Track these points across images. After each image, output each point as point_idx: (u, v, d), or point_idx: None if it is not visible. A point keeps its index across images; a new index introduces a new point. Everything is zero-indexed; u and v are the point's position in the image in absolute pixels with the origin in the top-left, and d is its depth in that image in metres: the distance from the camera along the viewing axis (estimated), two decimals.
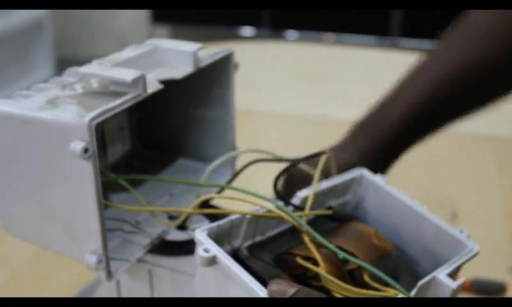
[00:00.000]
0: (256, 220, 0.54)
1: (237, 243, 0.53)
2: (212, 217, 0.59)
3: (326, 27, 3.90)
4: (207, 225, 0.49)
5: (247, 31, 4.00)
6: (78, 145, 0.46)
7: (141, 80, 0.51)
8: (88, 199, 0.48)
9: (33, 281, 0.92)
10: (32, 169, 0.51)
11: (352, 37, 3.86)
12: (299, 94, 1.72)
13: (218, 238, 0.50)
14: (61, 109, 0.49)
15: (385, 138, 0.78)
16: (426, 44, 3.69)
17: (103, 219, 0.49)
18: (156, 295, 0.58)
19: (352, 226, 0.57)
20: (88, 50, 3.59)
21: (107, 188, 0.61)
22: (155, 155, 0.69)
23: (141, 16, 4.19)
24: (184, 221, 0.59)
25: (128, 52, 0.58)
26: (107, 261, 0.51)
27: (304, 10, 3.76)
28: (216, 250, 0.47)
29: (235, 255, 0.52)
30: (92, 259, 0.50)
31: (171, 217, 0.59)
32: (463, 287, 0.91)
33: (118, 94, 0.51)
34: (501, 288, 0.93)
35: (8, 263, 0.95)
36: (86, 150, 0.46)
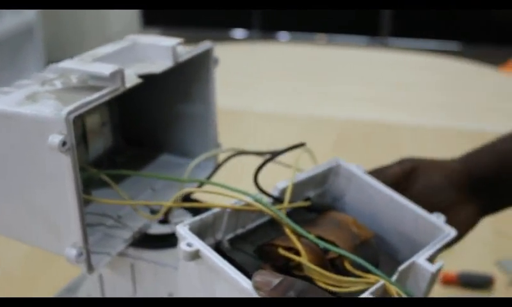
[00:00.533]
0: (237, 213, 0.54)
1: (218, 236, 0.53)
2: (194, 211, 0.59)
3: (318, 27, 3.92)
4: (189, 219, 0.50)
5: (238, 32, 4.01)
6: (56, 138, 0.46)
7: (119, 74, 0.51)
8: (67, 193, 0.49)
9: (24, 280, 0.92)
10: (12, 165, 0.51)
11: (343, 37, 3.87)
12: (291, 94, 1.73)
13: (200, 232, 0.50)
14: (40, 103, 0.50)
15: None
16: (416, 43, 3.73)
17: (83, 212, 0.50)
18: (138, 289, 0.59)
19: (331, 216, 0.57)
20: (79, 53, 3.57)
21: (89, 184, 0.61)
22: (137, 151, 0.70)
23: (132, 18, 4.19)
24: (166, 215, 0.59)
25: (108, 48, 0.58)
26: (87, 254, 0.51)
27: (296, 11, 3.78)
28: (198, 244, 0.47)
29: (217, 248, 0.53)
30: (72, 252, 0.50)
31: (153, 212, 0.59)
32: (450, 281, 0.94)
33: (96, 89, 0.51)
34: (488, 281, 0.94)
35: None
36: (64, 143, 0.46)
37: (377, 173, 0.63)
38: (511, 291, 0.42)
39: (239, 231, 0.56)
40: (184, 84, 0.65)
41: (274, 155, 0.59)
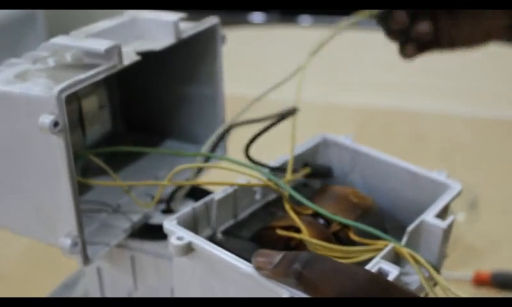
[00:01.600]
0: (228, 201, 0.53)
1: (210, 229, 0.53)
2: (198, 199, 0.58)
3: (341, 11, 3.88)
4: (177, 213, 0.49)
5: (256, 16, 3.99)
6: (47, 119, 0.46)
7: (115, 51, 0.51)
8: (59, 177, 0.48)
9: (19, 279, 0.92)
10: (1, 148, 0.51)
11: (367, 22, 3.83)
12: (310, 81, 1.70)
13: (191, 225, 0.50)
14: (30, 82, 0.49)
15: None
16: None
17: (77, 199, 0.49)
18: (139, 284, 0.58)
19: (328, 190, 0.57)
20: None
21: (87, 172, 0.61)
22: (139, 137, 0.69)
23: None
24: (169, 204, 0.59)
25: (105, 23, 0.58)
26: (83, 245, 0.51)
27: None
28: (190, 236, 0.46)
29: (211, 241, 0.52)
30: (67, 242, 0.50)
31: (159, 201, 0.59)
32: (483, 281, 0.92)
33: (92, 67, 0.51)
34: None
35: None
36: (55, 124, 0.46)
37: None
38: None
39: (231, 221, 0.55)
40: (189, 64, 0.65)
41: (269, 126, 0.57)
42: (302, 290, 0.41)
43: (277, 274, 0.42)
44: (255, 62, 1.82)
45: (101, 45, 0.50)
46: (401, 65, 1.87)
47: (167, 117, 0.68)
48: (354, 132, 1.38)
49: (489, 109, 1.50)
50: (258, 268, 0.43)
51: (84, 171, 0.61)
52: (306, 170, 0.59)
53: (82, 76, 0.48)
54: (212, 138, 0.60)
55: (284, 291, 0.41)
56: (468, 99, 1.59)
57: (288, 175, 0.55)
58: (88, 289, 0.62)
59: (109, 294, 0.61)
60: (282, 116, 0.57)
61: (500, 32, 0.72)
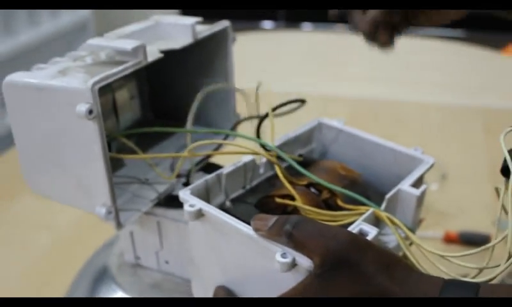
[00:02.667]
0: (235, 174, 0.52)
1: (221, 198, 0.52)
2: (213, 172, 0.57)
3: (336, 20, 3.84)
4: (191, 185, 0.48)
5: (267, 24, 3.97)
6: (83, 107, 0.45)
7: (141, 49, 0.49)
8: (95, 156, 0.47)
9: (74, 244, 0.91)
10: (47, 132, 0.50)
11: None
12: (310, 76, 1.70)
13: (203, 195, 0.49)
14: (70, 76, 0.48)
15: None
16: (424, 30, 3.64)
17: (110, 175, 0.48)
18: (164, 243, 0.57)
19: (320, 164, 0.56)
20: None
21: (120, 152, 0.60)
22: (165, 123, 0.67)
23: (170, 11, 4.17)
24: (188, 178, 0.57)
25: (133, 27, 0.56)
26: (116, 213, 0.50)
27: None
28: (200, 204, 0.45)
29: (221, 208, 0.51)
30: (102, 210, 0.49)
31: (179, 176, 0.57)
32: (452, 239, 0.91)
33: (121, 63, 0.49)
34: (486, 239, 0.91)
35: (52, 228, 0.95)
36: (90, 111, 0.45)
37: None
38: (505, 248, 0.41)
39: (240, 191, 0.54)
40: (205, 61, 0.63)
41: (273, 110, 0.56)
42: (292, 247, 0.40)
43: (271, 234, 0.41)
44: (266, 60, 1.80)
45: (129, 44, 0.49)
46: (384, 63, 1.86)
47: (187, 106, 0.66)
48: (346, 117, 1.38)
49: (458, 98, 1.49)
50: (256, 230, 0.42)
51: (118, 151, 0.59)
52: (300, 158, 0.57)
53: (112, 70, 0.47)
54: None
55: (277, 249, 0.40)
56: (440, 90, 1.57)
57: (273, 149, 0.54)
58: (124, 248, 0.61)
59: (140, 252, 0.60)
60: (287, 102, 0.57)
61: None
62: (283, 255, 0.39)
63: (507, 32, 3.58)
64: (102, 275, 0.61)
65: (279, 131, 0.55)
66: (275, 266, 0.39)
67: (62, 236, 0.94)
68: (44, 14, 3.46)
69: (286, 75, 1.66)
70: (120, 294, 0.57)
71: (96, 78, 0.46)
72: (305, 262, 0.39)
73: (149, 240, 0.58)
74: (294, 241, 0.39)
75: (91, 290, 0.60)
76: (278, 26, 3.95)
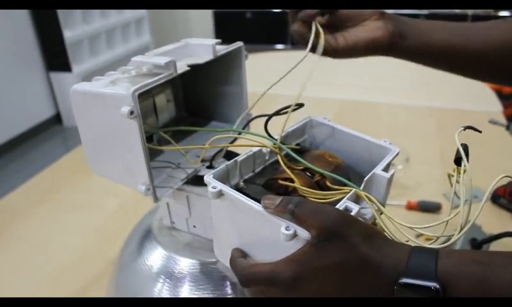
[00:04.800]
0: (248, 160, 0.49)
1: (236, 180, 0.48)
2: (230, 159, 0.53)
3: None
4: (213, 170, 0.45)
5: (279, 46, 3.92)
6: (126, 109, 0.41)
7: (172, 64, 0.45)
8: (136, 147, 0.44)
9: (131, 209, 0.89)
10: (102, 128, 0.47)
11: None
12: (309, 83, 1.66)
13: (223, 178, 0.46)
14: (118, 86, 0.44)
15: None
16: None
17: (148, 160, 0.45)
18: (192, 212, 0.54)
19: (311, 153, 0.52)
20: None
21: (160, 143, 0.56)
22: (195, 119, 0.64)
23: (208, 36, 4.13)
24: (211, 162, 0.53)
25: (168, 47, 0.53)
26: (153, 190, 0.46)
27: None
28: (220, 186, 0.42)
29: (236, 188, 0.48)
30: (142, 188, 0.46)
31: (203, 161, 0.54)
32: (412, 207, 0.86)
33: (157, 75, 0.46)
34: (438, 206, 0.87)
35: (118, 195, 0.93)
36: (131, 112, 0.42)
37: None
38: (452, 213, 0.39)
39: (250, 174, 0.50)
40: (225, 72, 0.59)
41: (278, 111, 0.51)
42: (294, 222, 0.37)
43: (277, 211, 0.38)
44: (276, 73, 1.76)
45: (162, 60, 0.45)
46: (363, 73, 1.80)
47: (212, 106, 0.63)
48: (334, 114, 1.34)
49: (418, 100, 1.45)
50: (265, 207, 0.39)
51: (158, 142, 0.56)
52: (297, 147, 0.54)
53: (149, 80, 0.43)
54: (242, 121, 0.55)
55: (282, 223, 0.38)
56: (405, 94, 1.52)
57: (278, 142, 0.50)
58: (163, 215, 0.57)
59: (175, 218, 0.56)
60: (286, 107, 0.51)
61: None
62: (287, 228, 0.37)
63: None
64: (148, 234, 0.57)
65: (276, 127, 0.51)
66: (280, 236, 0.37)
67: (124, 202, 0.91)
68: (118, 40, 3.44)
69: (291, 83, 1.62)
70: (159, 250, 0.54)
71: (136, 86, 0.42)
72: (304, 234, 0.37)
73: (180, 209, 0.54)
74: (295, 217, 0.37)
75: (139, 246, 0.57)
76: (286, 47, 3.89)
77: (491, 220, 0.84)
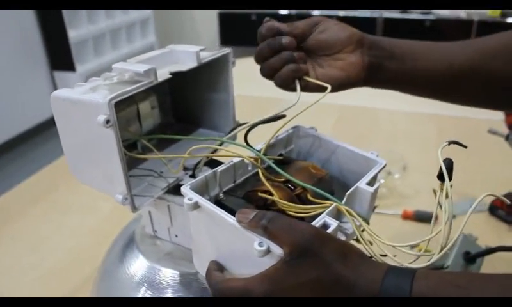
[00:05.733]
0: (228, 171, 0.48)
1: (215, 191, 0.47)
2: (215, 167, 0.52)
3: None
4: (190, 181, 0.44)
5: None
6: (102, 118, 0.41)
7: (151, 71, 0.45)
8: (113, 156, 0.43)
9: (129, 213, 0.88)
10: (81, 136, 0.46)
11: None
12: None
13: (200, 189, 0.45)
14: (96, 93, 0.44)
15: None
16: None
17: (125, 170, 0.44)
18: (173, 222, 0.53)
19: (295, 164, 0.51)
20: None
21: (144, 150, 0.55)
22: (182, 126, 0.63)
23: (214, 38, 4.13)
24: (194, 171, 0.53)
25: (152, 53, 0.52)
26: (131, 199, 0.45)
27: None
28: (196, 197, 0.41)
29: (216, 199, 0.47)
30: (119, 197, 0.45)
31: (185, 169, 0.53)
32: (408, 216, 0.85)
33: (137, 82, 0.45)
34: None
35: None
36: (107, 121, 0.41)
37: (290, 26, 0.51)
38: (434, 231, 0.38)
39: (232, 185, 0.49)
40: (212, 79, 0.58)
41: (260, 122, 0.50)
42: (267, 238, 0.36)
43: (251, 226, 0.37)
44: None
45: (142, 67, 0.44)
46: None
47: (199, 113, 0.62)
48: (335, 120, 1.33)
49: (418, 107, 1.43)
50: (239, 221, 0.38)
51: (142, 149, 0.55)
52: (280, 158, 0.52)
53: (127, 88, 0.43)
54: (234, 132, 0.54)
55: (255, 238, 0.37)
56: (404, 100, 1.50)
57: (261, 154, 0.48)
58: (145, 223, 0.56)
59: (157, 227, 0.55)
60: (272, 119, 0.50)
61: None
62: (260, 244, 0.36)
63: None
64: (130, 242, 0.57)
65: (269, 133, 0.50)
66: (254, 252, 0.36)
67: (118, 205, 0.90)
68: (123, 40, 3.45)
69: None
70: (141, 259, 0.53)
71: (113, 95, 0.41)
72: (277, 250, 0.36)
73: (162, 218, 0.53)
74: (268, 233, 0.36)
75: (121, 253, 0.56)
76: None
77: (488, 232, 0.82)
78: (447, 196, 0.39)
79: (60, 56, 2.95)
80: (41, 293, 0.69)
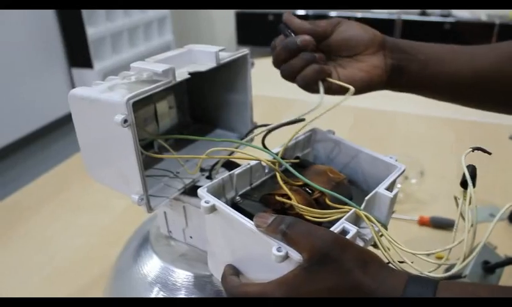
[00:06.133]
0: (245, 174, 0.47)
1: (231, 193, 0.47)
2: (232, 170, 0.52)
3: None
4: (207, 183, 0.43)
5: None
6: (119, 117, 0.40)
7: (170, 71, 0.44)
8: (130, 156, 0.43)
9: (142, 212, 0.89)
10: (98, 134, 0.46)
11: None
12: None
13: (217, 191, 0.44)
14: (114, 92, 0.43)
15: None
16: None
17: (142, 170, 0.43)
18: (189, 223, 0.52)
19: (312, 168, 0.50)
20: None
21: (161, 150, 0.55)
22: (199, 126, 0.63)
23: (231, 38, 4.13)
24: (211, 172, 0.52)
25: (171, 53, 0.51)
26: (147, 199, 0.45)
27: None
28: (213, 200, 0.40)
29: (233, 202, 0.46)
30: (136, 198, 0.44)
31: (202, 170, 0.52)
32: (424, 223, 0.83)
33: (156, 82, 0.44)
34: (451, 223, 0.83)
35: (125, 196, 0.92)
36: (125, 121, 0.40)
37: (311, 24, 0.50)
38: (470, 232, 0.36)
39: (248, 187, 0.49)
40: (230, 80, 0.58)
41: (279, 125, 0.49)
42: (286, 243, 0.36)
43: (269, 231, 0.36)
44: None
45: (160, 67, 0.44)
46: None
47: (217, 113, 0.61)
48: (350, 122, 1.32)
49: (437, 111, 1.40)
50: (257, 226, 0.37)
51: (159, 149, 0.55)
52: (296, 161, 0.52)
53: (145, 88, 0.42)
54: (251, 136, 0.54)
55: (274, 243, 0.36)
56: (423, 104, 1.48)
57: (279, 158, 0.47)
58: (159, 223, 0.56)
59: (171, 227, 0.55)
60: (290, 122, 0.49)
61: None
62: (279, 249, 0.35)
63: None
64: (145, 242, 0.56)
65: (286, 134, 0.50)
66: (271, 257, 0.35)
67: (131, 203, 0.90)
68: (140, 39, 3.47)
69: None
70: (155, 259, 0.53)
71: (131, 94, 0.41)
72: (296, 256, 0.35)
73: (177, 219, 0.53)
74: (287, 238, 0.35)
75: (136, 253, 0.56)
76: None
77: (507, 241, 0.80)
78: (470, 204, 0.37)
79: (78, 53, 2.98)
80: (48, 293, 0.69)
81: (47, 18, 2.88)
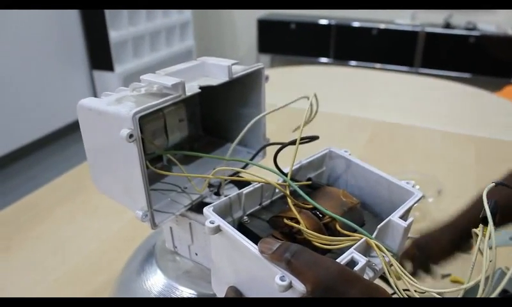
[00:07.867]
0: (253, 193, 0.45)
1: (239, 213, 0.45)
2: (240, 187, 0.50)
3: (375, 59, 3.71)
4: (214, 202, 0.42)
5: (322, 59, 3.86)
6: (125, 132, 0.39)
7: (180, 85, 0.43)
8: (135, 171, 0.41)
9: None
10: (104, 147, 0.45)
11: (392, 66, 3.64)
12: (345, 101, 1.60)
13: (223, 211, 0.42)
14: (122, 105, 0.42)
15: None
16: (439, 72, 3.43)
17: (147, 186, 0.42)
18: (194, 240, 0.51)
19: (325, 190, 0.48)
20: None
21: (170, 164, 0.54)
22: (211, 140, 0.61)
23: (251, 47, 4.14)
24: (219, 189, 0.51)
25: (182, 65, 0.50)
26: (151, 216, 0.44)
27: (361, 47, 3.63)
28: (218, 221, 0.39)
29: (240, 222, 0.44)
30: (140, 213, 0.43)
31: (210, 186, 0.51)
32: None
33: (165, 95, 0.43)
34: (469, 246, 0.79)
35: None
36: (130, 136, 0.39)
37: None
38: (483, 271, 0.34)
39: (257, 207, 0.47)
40: (244, 94, 0.56)
41: (291, 142, 0.47)
42: (290, 272, 0.34)
43: (273, 258, 0.35)
44: (317, 86, 1.73)
45: (170, 81, 0.43)
46: (401, 95, 1.73)
47: (229, 127, 0.60)
48: (368, 136, 1.29)
49: (457, 128, 1.37)
50: (261, 252, 0.36)
51: (168, 162, 0.54)
52: (308, 183, 0.49)
53: (153, 102, 0.41)
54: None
55: (277, 271, 0.34)
56: (443, 120, 1.45)
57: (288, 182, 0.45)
58: (165, 238, 0.55)
59: (177, 243, 0.54)
60: (305, 141, 0.47)
61: None
62: (282, 278, 0.34)
63: (504, 76, 3.32)
64: (150, 255, 0.55)
65: (302, 150, 0.48)
66: (274, 285, 0.34)
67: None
68: (162, 43, 3.49)
69: (330, 98, 1.58)
70: (159, 274, 0.52)
71: (138, 108, 0.40)
72: (300, 286, 0.33)
73: (183, 235, 0.52)
74: (291, 268, 0.34)
75: (140, 266, 0.55)
76: (330, 61, 3.84)
77: None
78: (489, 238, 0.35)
79: (100, 56, 3.01)
80: (55, 296, 0.69)
81: (71, 19, 2.92)
